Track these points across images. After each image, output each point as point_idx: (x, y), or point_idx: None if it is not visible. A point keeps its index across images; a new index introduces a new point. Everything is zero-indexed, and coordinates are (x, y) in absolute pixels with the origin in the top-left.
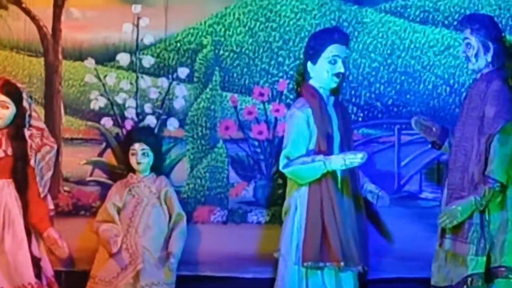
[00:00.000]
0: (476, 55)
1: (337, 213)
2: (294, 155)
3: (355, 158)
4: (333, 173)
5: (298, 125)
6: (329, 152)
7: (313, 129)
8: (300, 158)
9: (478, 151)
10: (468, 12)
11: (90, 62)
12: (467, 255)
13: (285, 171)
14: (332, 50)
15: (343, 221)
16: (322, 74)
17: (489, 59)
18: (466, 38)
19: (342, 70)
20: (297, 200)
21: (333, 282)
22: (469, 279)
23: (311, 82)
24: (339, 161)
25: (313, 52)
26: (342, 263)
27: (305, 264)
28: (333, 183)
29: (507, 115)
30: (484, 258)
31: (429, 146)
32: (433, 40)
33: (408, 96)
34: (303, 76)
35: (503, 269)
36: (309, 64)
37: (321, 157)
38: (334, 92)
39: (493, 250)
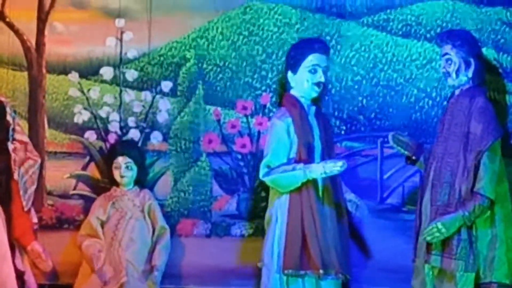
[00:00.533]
0: (457, 71)
1: (317, 221)
2: (274, 164)
3: (335, 166)
4: (314, 182)
5: (278, 134)
6: (310, 161)
7: (293, 138)
8: (280, 166)
9: (465, 167)
10: (450, 25)
11: (73, 76)
12: (456, 271)
13: (265, 179)
14: (312, 59)
15: (324, 229)
16: (302, 83)
17: (470, 75)
18: (447, 54)
19: (322, 79)
20: (277, 209)
21: None
22: None
23: (292, 91)
24: (319, 169)
25: (293, 61)
26: (321, 271)
27: (285, 272)
28: (313, 191)
29: (494, 132)
30: (473, 274)
31: (407, 163)
32: (415, 54)
33: (390, 109)
34: (284, 86)
35: (494, 285)
36: (289, 73)
37: (301, 165)
38: (315, 101)
39: (482, 266)
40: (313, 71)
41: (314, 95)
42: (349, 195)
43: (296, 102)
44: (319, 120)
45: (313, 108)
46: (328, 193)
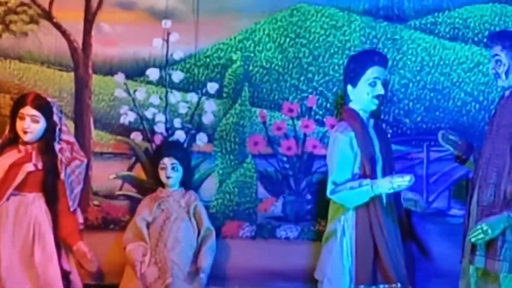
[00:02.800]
0: (507, 72)
1: (386, 235)
2: (340, 180)
3: (403, 182)
4: (379, 197)
5: (342, 149)
6: (373, 174)
7: (357, 152)
8: (347, 182)
9: (511, 168)
10: (497, 29)
11: (120, 77)
12: (500, 272)
13: (333, 197)
14: (372, 72)
15: (392, 242)
16: (362, 96)
17: None
18: (496, 55)
19: (382, 92)
20: (344, 224)
21: None
22: None
23: (351, 105)
24: (386, 185)
25: (353, 74)
26: (398, 284)
27: (358, 287)
28: (380, 206)
29: None
30: None
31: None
32: (463, 57)
33: (437, 113)
34: (344, 99)
35: None
36: (349, 87)
37: (368, 181)
38: (374, 114)
39: None
40: (373, 84)
41: (374, 108)
42: (406, 194)
43: (357, 115)
44: (378, 132)
45: (372, 121)
46: (392, 209)
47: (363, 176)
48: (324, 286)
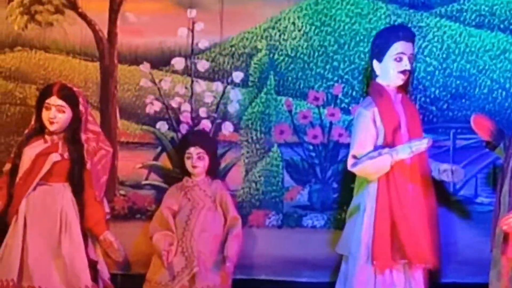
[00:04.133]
0: None
1: (405, 209)
2: (361, 154)
3: (421, 144)
4: (401, 166)
5: (364, 124)
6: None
7: (380, 127)
8: (367, 155)
9: None
10: None
11: (145, 66)
12: None
13: (353, 169)
14: (397, 47)
15: (412, 215)
16: (387, 72)
17: None
18: None
19: (408, 67)
20: (366, 198)
21: (402, 280)
22: None
23: (378, 80)
24: (406, 150)
25: (378, 50)
26: (413, 260)
27: (374, 262)
28: (401, 176)
29: None
30: None
31: (485, 150)
32: (489, 44)
33: (463, 100)
34: (370, 74)
35: None
36: (375, 62)
37: (386, 149)
38: (402, 89)
39: None
40: (398, 59)
41: (400, 83)
42: (442, 166)
43: (382, 90)
44: (406, 107)
45: (399, 96)
46: (415, 172)
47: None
48: (348, 262)
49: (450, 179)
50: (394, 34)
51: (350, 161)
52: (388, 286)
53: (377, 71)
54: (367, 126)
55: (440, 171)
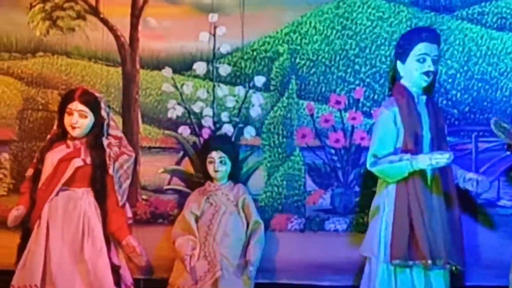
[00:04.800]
0: None
1: (424, 211)
2: (381, 153)
3: (442, 158)
4: (422, 171)
5: (384, 124)
6: (417, 151)
7: (400, 127)
8: (388, 156)
9: None
10: None
11: (167, 71)
12: None
13: (372, 169)
14: (420, 48)
15: (431, 219)
16: (411, 73)
17: None
18: None
19: (431, 68)
20: (385, 199)
21: (422, 280)
22: None
23: (402, 81)
24: (425, 161)
25: (402, 51)
26: (429, 261)
27: (393, 262)
28: (421, 181)
29: None
30: None
31: (507, 153)
32: (510, 47)
33: (485, 103)
34: (395, 75)
35: None
36: (398, 63)
37: (408, 156)
38: (427, 91)
39: None
40: (421, 60)
41: (424, 84)
42: (468, 174)
43: (404, 91)
44: (430, 110)
45: (424, 98)
46: (437, 182)
47: (405, 151)
48: (372, 263)
49: (475, 188)
50: (418, 35)
51: (369, 159)
52: (408, 287)
53: (401, 72)
54: (387, 126)
55: (465, 179)
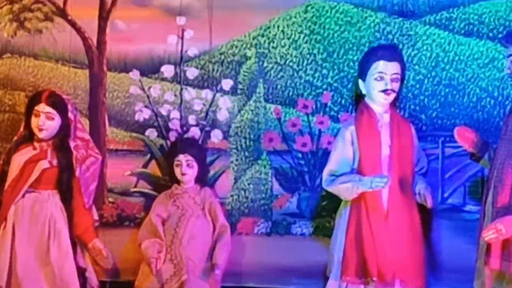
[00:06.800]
0: None
1: (374, 228)
2: (336, 171)
3: (380, 182)
4: (374, 192)
5: (340, 143)
6: (375, 170)
7: (356, 147)
8: (342, 176)
9: None
10: None
11: (135, 74)
12: None
13: (327, 188)
14: (376, 67)
15: (384, 236)
16: (370, 91)
17: None
18: (511, 55)
19: (388, 87)
20: (342, 217)
21: None
22: None
23: (366, 99)
24: (367, 184)
25: (360, 69)
26: (374, 279)
27: (343, 278)
28: (373, 200)
29: None
30: None
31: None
32: (478, 53)
33: (452, 108)
34: (360, 93)
35: None
36: (360, 81)
37: (356, 178)
38: (393, 106)
39: None
40: (378, 79)
41: (383, 102)
42: (419, 189)
43: (365, 110)
44: (393, 128)
45: (387, 116)
46: (395, 199)
47: (363, 170)
48: (329, 281)
49: (423, 203)
50: (374, 53)
51: (324, 177)
52: None
53: (363, 91)
54: (343, 145)
55: (417, 194)
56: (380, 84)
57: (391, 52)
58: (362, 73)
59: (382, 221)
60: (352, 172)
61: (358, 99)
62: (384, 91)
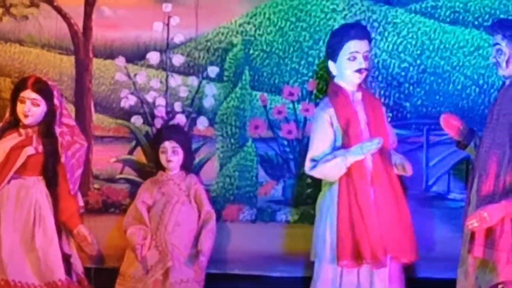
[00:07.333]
0: (508, 62)
1: (364, 211)
2: (318, 157)
3: (372, 145)
4: (361, 171)
5: (321, 127)
6: None
7: (337, 128)
8: (324, 157)
9: (511, 158)
10: (498, 13)
11: (120, 61)
12: (498, 262)
13: (311, 173)
14: (349, 46)
15: (373, 216)
16: (342, 71)
17: None
18: (497, 44)
19: (363, 65)
20: (328, 199)
21: (367, 279)
22: (500, 286)
23: (335, 80)
24: (357, 151)
25: (331, 50)
26: (369, 260)
27: (339, 263)
28: (360, 180)
29: None
30: None
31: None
32: (463, 41)
33: (437, 96)
34: (329, 75)
35: None
36: (330, 62)
37: (341, 151)
38: (361, 86)
39: None
40: (352, 59)
41: (357, 81)
42: (395, 159)
43: (339, 90)
44: (367, 105)
45: (359, 94)
46: (379, 178)
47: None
48: (316, 266)
49: (403, 172)
50: (346, 33)
51: (307, 164)
52: (353, 287)
53: (333, 72)
54: (323, 129)
55: (395, 165)
56: (353, 64)
57: (361, 30)
58: (333, 54)
59: (369, 198)
60: (332, 152)
61: (323, 82)
62: (358, 70)
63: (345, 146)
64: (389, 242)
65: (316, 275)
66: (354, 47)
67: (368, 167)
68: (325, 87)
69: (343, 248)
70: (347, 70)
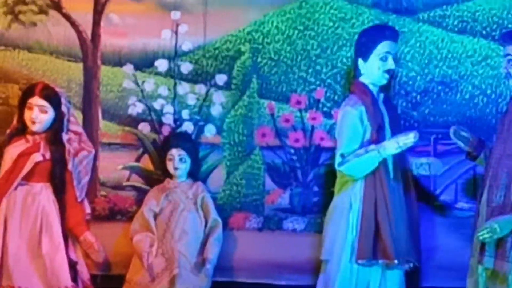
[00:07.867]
0: None
1: (390, 209)
2: (349, 153)
3: (408, 139)
4: (385, 168)
5: (352, 123)
6: None
7: (366, 125)
8: (353, 152)
9: None
10: (506, 23)
11: (128, 68)
12: (508, 273)
13: (341, 168)
14: (383, 46)
15: (396, 215)
16: (373, 71)
17: None
18: (509, 54)
19: (393, 66)
20: (351, 198)
21: (378, 279)
22: None
23: (361, 79)
24: (393, 145)
25: (364, 49)
26: (395, 261)
27: (359, 262)
28: (387, 179)
29: None
30: None
31: (466, 159)
32: (471, 50)
33: (444, 106)
34: (354, 73)
35: None
36: (360, 61)
37: (373, 146)
38: (384, 89)
39: None
40: (384, 59)
41: (384, 82)
42: (419, 160)
43: (366, 89)
44: (388, 107)
45: (382, 95)
46: (397, 170)
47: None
48: (332, 261)
49: (428, 172)
50: (381, 33)
51: (337, 159)
52: (365, 286)
53: (362, 70)
54: (355, 125)
55: (417, 165)
56: (385, 63)
57: (395, 32)
58: (366, 52)
59: (394, 198)
60: (360, 148)
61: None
62: (388, 71)
63: (372, 143)
64: (400, 243)
65: (329, 275)
66: (388, 47)
67: (389, 165)
68: (333, 96)
69: (363, 247)
70: (378, 70)
